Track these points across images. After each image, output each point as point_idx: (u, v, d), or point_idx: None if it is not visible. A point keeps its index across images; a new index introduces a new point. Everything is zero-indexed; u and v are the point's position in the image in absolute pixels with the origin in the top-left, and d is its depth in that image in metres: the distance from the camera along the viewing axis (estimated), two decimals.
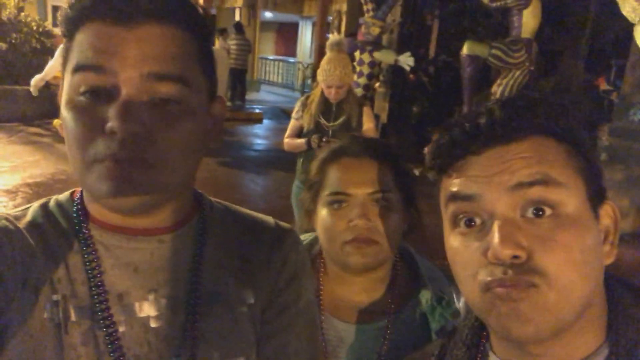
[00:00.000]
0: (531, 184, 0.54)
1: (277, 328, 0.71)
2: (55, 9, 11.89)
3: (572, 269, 0.53)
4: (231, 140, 7.71)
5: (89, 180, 0.58)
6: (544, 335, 0.54)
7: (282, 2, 15.20)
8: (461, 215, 0.58)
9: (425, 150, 0.64)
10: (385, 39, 7.15)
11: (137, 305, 0.63)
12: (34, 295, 0.58)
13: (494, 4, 5.86)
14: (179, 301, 0.65)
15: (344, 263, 0.97)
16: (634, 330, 0.55)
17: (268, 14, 17.01)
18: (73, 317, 0.59)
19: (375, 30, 6.45)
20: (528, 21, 5.68)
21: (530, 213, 0.54)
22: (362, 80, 6.65)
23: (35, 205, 0.67)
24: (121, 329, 0.61)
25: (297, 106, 3.00)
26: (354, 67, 6.90)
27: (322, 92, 2.85)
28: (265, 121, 10.46)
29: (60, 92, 0.62)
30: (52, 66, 7.25)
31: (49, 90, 7.75)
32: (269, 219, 0.78)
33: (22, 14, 8.65)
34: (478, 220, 0.57)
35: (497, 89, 5.88)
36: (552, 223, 0.53)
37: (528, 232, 0.53)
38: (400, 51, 6.72)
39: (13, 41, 8.05)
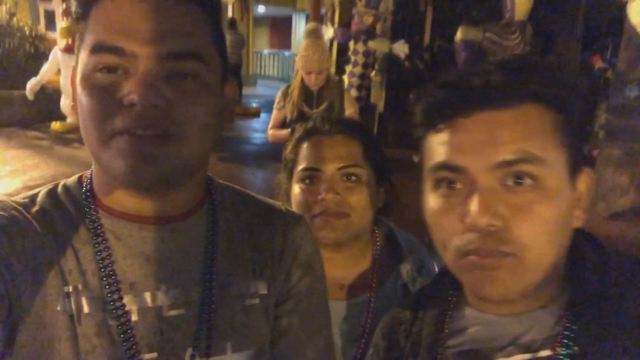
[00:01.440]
0: (514, 161, 0.56)
1: (293, 319, 0.71)
2: (48, 12, 11.84)
3: (545, 240, 0.57)
4: (229, 135, 7.70)
5: (106, 156, 0.57)
6: (512, 297, 0.58)
7: None
8: (443, 181, 0.61)
9: (414, 104, 0.65)
10: (378, 27, 7.11)
11: (149, 294, 0.62)
12: (44, 287, 0.58)
13: None
14: (192, 290, 0.64)
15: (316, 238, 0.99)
16: (595, 280, 0.59)
17: (261, 9, 16.93)
18: (86, 309, 0.59)
19: (369, 19, 6.42)
20: (521, 3, 5.65)
21: (510, 181, 0.57)
22: (358, 70, 6.63)
23: (43, 191, 0.66)
24: (134, 318, 0.61)
25: (278, 96, 2.98)
26: (349, 58, 6.89)
27: (302, 80, 2.85)
28: (262, 115, 10.44)
29: (74, 74, 0.62)
30: (47, 69, 7.26)
31: (45, 93, 7.77)
32: (280, 206, 0.78)
33: (15, 18, 8.62)
34: (459, 185, 0.60)
35: None
36: (531, 194, 0.56)
37: (507, 201, 0.56)
38: (394, 39, 6.70)
39: (7, 46, 8.03)
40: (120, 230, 0.63)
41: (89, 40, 0.58)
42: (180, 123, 0.58)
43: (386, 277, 1.03)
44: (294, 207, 1.02)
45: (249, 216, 0.73)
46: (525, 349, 0.59)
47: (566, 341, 0.56)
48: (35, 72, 7.27)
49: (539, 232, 0.56)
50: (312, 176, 0.99)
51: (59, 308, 0.58)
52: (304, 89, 2.85)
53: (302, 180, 1.01)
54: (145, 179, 0.58)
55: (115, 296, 0.60)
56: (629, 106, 4.26)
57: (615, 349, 0.53)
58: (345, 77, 6.82)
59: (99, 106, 0.57)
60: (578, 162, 0.61)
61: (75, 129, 7.30)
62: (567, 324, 0.57)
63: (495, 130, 0.57)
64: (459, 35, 5.88)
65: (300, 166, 1.01)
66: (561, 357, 0.56)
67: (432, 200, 0.63)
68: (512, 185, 0.57)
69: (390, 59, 7.16)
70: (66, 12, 7.10)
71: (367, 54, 6.60)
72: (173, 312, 0.63)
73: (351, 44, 6.65)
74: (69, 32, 6.81)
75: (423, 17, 7.78)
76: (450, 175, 0.60)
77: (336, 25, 7.99)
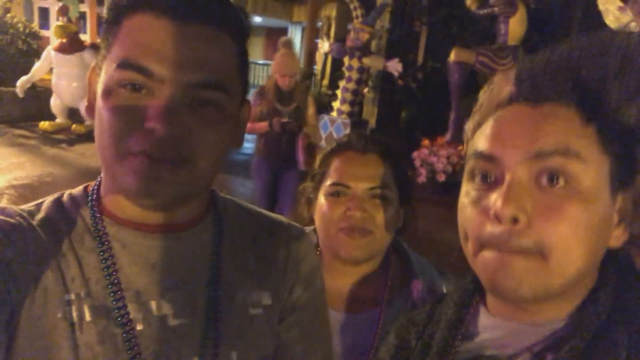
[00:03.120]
0: (551, 153, 0.53)
1: (295, 331, 0.71)
2: (42, 10, 11.79)
3: (573, 244, 0.53)
4: None
5: (119, 172, 0.57)
6: (526, 297, 0.55)
7: (271, 6, 15.23)
8: (477, 171, 0.59)
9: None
10: (374, 45, 7.20)
11: (154, 303, 0.62)
12: (45, 295, 0.58)
13: (481, 12, 5.95)
14: (198, 299, 0.64)
15: (336, 252, 1.00)
16: (607, 301, 0.57)
17: (257, 19, 17.03)
18: (88, 317, 0.59)
19: (364, 36, 6.49)
20: (515, 28, 5.77)
21: (544, 180, 0.54)
22: (351, 86, 6.69)
23: (49, 200, 0.66)
24: (139, 327, 0.60)
25: (254, 96, 3.52)
26: (343, 73, 6.96)
27: (276, 83, 3.42)
28: None
29: (94, 78, 0.62)
30: (39, 68, 7.21)
31: (36, 92, 7.70)
32: (282, 219, 0.78)
33: (9, 15, 8.56)
34: (492, 177, 0.57)
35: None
36: (563, 194, 0.53)
37: (536, 198, 0.53)
38: (388, 57, 6.78)
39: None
40: (126, 239, 0.63)
41: (117, 53, 0.58)
42: (196, 149, 0.58)
43: (397, 295, 1.05)
44: (318, 218, 1.03)
45: (253, 228, 0.74)
46: (536, 355, 0.57)
47: (565, 350, 0.54)
48: (26, 70, 7.21)
49: (567, 234, 0.52)
50: (340, 192, 1.00)
51: (59, 315, 0.57)
52: (277, 90, 3.42)
53: (330, 194, 1.01)
54: (155, 199, 0.58)
55: (120, 304, 0.60)
56: None
57: None
58: (339, 92, 6.87)
59: (119, 124, 0.57)
60: (627, 175, 0.56)
61: (63, 129, 7.24)
62: (572, 338, 0.55)
63: (536, 122, 0.55)
64: (452, 56, 5.97)
65: (330, 180, 1.02)
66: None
67: (464, 191, 0.61)
68: (545, 184, 0.54)
69: (384, 76, 7.24)
70: (62, 11, 7.07)
71: (361, 70, 6.66)
72: (178, 321, 0.62)
73: (346, 59, 6.71)
74: (64, 32, 6.78)
75: (417, 37, 7.89)
76: (484, 166, 0.58)
77: (332, 40, 8.07)
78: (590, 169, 0.54)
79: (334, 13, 10.72)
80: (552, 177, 0.54)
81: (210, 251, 0.67)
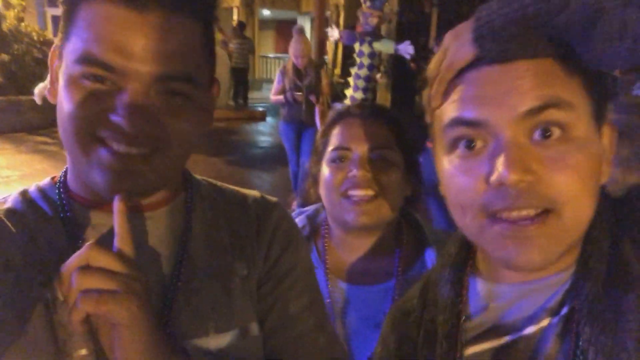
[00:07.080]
0: (542, 107, 0.51)
1: (278, 297, 0.72)
2: (55, 18, 11.96)
3: (583, 192, 0.52)
4: (236, 139, 7.73)
5: (85, 165, 0.57)
6: (550, 262, 0.53)
7: None
8: (460, 139, 0.55)
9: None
10: (383, 29, 7.12)
11: None
12: (16, 279, 0.58)
13: None
14: (170, 276, 0.65)
15: (343, 220, 0.99)
16: (606, 237, 0.56)
17: (266, 12, 17.00)
18: (61, 297, 0.59)
19: (374, 21, 6.41)
20: None
21: (537, 135, 0.52)
22: (363, 72, 6.62)
23: (15, 193, 0.67)
24: None
25: (277, 75, 4.83)
26: (354, 60, 6.91)
27: (293, 63, 4.58)
28: (268, 119, 10.47)
29: (54, 60, 0.61)
30: None
31: None
32: (255, 193, 0.79)
33: (23, 24, 8.70)
34: (480, 143, 0.54)
35: None
36: (562, 145, 0.52)
37: (537, 155, 0.51)
38: (399, 40, 6.70)
39: (15, 52, 8.11)
40: (95, 220, 0.64)
41: (76, 44, 0.57)
42: (167, 139, 0.58)
43: (410, 265, 1.04)
44: (322, 187, 1.03)
45: (225, 204, 0.74)
46: (552, 312, 0.55)
47: (583, 298, 0.53)
48: (43, 78, 7.31)
49: (575, 184, 0.51)
50: (342, 156, 0.99)
51: (32, 296, 0.59)
52: (295, 68, 4.59)
53: (332, 160, 1.01)
54: (124, 192, 0.58)
55: None
56: (637, 104, 4.23)
57: (628, 304, 0.50)
58: (351, 80, 6.83)
59: (82, 113, 0.56)
60: (602, 112, 0.56)
61: None
62: (581, 281, 0.54)
63: (515, 79, 0.52)
64: None
65: (331, 147, 1.02)
66: (581, 312, 0.52)
67: (447, 164, 0.57)
68: (540, 139, 0.52)
69: (396, 61, 7.17)
70: None
71: (372, 55, 6.58)
72: (153, 298, 0.62)
73: (356, 45, 6.66)
74: None
75: (428, 20, 7.78)
76: (468, 132, 0.54)
77: (342, 27, 8.01)
78: (580, 114, 0.53)
79: (342, 1, 10.62)
80: (545, 131, 0.52)
81: (182, 229, 0.68)
